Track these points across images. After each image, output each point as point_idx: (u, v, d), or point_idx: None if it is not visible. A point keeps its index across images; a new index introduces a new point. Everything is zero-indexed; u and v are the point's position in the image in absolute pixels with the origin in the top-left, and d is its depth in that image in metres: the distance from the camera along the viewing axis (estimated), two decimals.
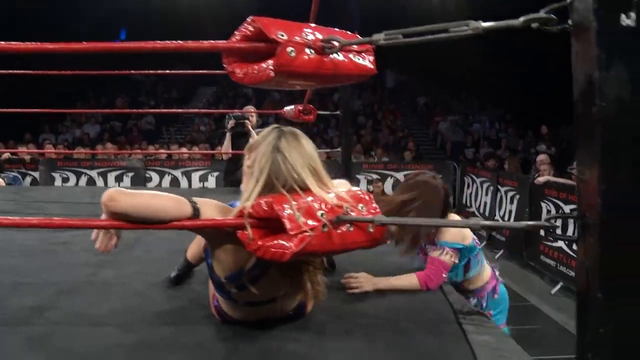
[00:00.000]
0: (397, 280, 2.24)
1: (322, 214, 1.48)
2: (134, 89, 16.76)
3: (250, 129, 5.27)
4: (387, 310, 2.05)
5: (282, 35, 1.38)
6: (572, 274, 5.43)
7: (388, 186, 9.02)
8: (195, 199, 1.60)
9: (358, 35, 1.55)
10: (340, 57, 1.48)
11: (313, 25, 1.49)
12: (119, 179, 8.65)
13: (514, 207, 6.81)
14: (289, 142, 1.62)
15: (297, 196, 1.52)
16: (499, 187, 7.22)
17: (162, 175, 8.77)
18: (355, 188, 1.69)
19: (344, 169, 6.02)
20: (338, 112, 6.04)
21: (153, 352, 1.70)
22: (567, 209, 5.57)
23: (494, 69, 14.91)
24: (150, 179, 8.72)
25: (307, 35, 1.43)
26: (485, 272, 2.53)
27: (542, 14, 1.10)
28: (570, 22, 1.07)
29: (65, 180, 8.50)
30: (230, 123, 5.34)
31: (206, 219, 1.56)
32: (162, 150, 9.43)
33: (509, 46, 13.93)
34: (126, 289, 2.31)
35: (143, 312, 2.03)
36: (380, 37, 1.34)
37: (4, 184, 5.89)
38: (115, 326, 1.88)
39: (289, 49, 1.37)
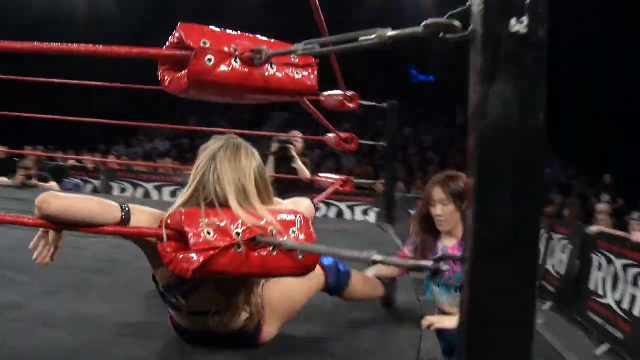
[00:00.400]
0: None
1: (237, 234, 1.40)
2: (208, 109, 17.25)
3: (295, 154, 5.25)
4: (347, 351, 1.93)
5: (205, 44, 1.32)
6: (621, 335, 4.97)
7: None
8: (132, 206, 1.56)
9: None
10: (273, 70, 1.40)
11: (250, 35, 1.42)
12: (173, 194, 8.85)
13: (565, 257, 6.38)
14: (226, 154, 1.58)
15: (214, 212, 1.46)
16: (552, 234, 6.81)
17: None
18: (293, 211, 1.58)
19: (386, 201, 5.88)
20: (383, 144, 5.94)
21: (80, 358, 1.70)
22: (619, 264, 5.14)
23: (571, 109, 14.27)
24: None
25: (237, 45, 1.35)
26: None
27: (443, 19, 0.96)
28: (470, 29, 0.92)
29: (123, 190, 8.78)
30: (274, 147, 5.34)
31: (129, 227, 1.50)
32: None
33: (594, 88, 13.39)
34: (107, 297, 2.33)
35: (108, 320, 2.03)
36: (299, 47, 1.25)
37: (57, 187, 6.12)
38: (70, 330, 1.89)
39: (208, 57, 1.30)
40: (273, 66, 1.40)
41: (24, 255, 2.77)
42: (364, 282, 2.20)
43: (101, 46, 1.38)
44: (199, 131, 14.83)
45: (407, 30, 1.02)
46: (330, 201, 8.97)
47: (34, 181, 5.93)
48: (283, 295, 1.84)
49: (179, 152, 13.92)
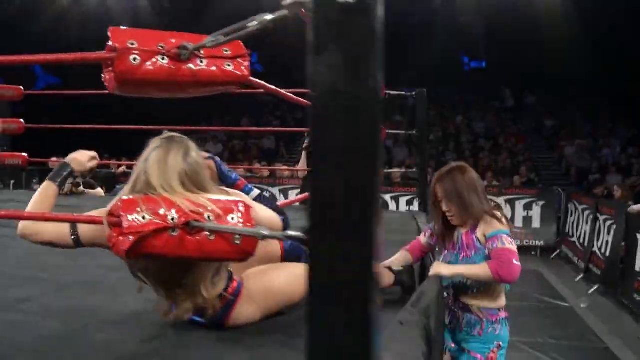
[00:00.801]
0: (474, 268, 2.22)
1: (172, 218, 1.48)
2: (259, 109, 17.52)
3: None
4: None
5: (132, 44, 1.40)
6: None
7: None
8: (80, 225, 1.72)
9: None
10: (203, 63, 1.47)
11: (181, 33, 1.49)
12: None
13: (610, 238, 6.15)
14: (156, 155, 1.70)
15: (152, 199, 1.55)
16: (599, 215, 6.57)
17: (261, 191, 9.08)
18: (236, 200, 1.64)
19: (420, 191, 5.84)
20: (414, 132, 5.90)
21: (58, 344, 1.82)
22: None
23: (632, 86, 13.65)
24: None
25: (165, 43, 1.43)
26: (503, 296, 2.38)
27: None
28: None
29: None
30: (306, 142, 5.42)
31: (80, 215, 1.61)
32: (242, 166, 9.83)
33: None
34: (114, 291, 2.43)
35: (104, 311, 2.14)
36: (208, 40, 1.32)
37: (102, 193, 6.42)
38: (63, 320, 2.03)
39: (132, 56, 1.38)
40: (202, 60, 1.46)
41: (49, 257, 3.00)
42: None
43: (50, 55, 1.49)
44: (250, 131, 15.22)
45: (279, 14, 1.07)
46: None
47: (81, 188, 6.24)
48: (263, 285, 1.92)
49: (231, 153, 14.25)
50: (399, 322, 1.68)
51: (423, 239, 2.52)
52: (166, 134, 1.78)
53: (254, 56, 20.86)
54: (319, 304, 0.87)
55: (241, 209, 1.57)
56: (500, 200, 8.48)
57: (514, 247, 2.17)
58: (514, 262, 2.12)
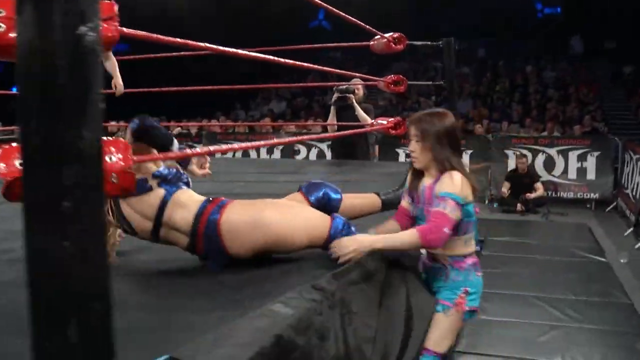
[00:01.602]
0: (397, 236, 2.19)
1: None
2: (325, 66, 17.45)
3: (354, 102, 5.32)
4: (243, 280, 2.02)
5: (1, 12, 1.51)
6: None
7: (539, 162, 8.24)
8: None
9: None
10: None
11: None
12: (269, 152, 9.35)
13: None
14: None
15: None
16: None
17: (309, 148, 9.26)
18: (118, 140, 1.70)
19: None
20: (441, 83, 5.78)
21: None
22: None
23: None
24: (298, 152, 9.28)
25: None
26: (471, 244, 2.35)
27: None
28: None
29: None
30: (334, 97, 5.46)
31: None
32: (288, 123, 9.96)
33: None
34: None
35: None
36: None
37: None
38: None
39: None
40: None
41: None
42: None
43: None
44: (313, 88, 15.31)
45: None
46: None
47: None
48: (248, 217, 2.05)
49: (293, 111, 14.42)
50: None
51: (404, 203, 2.46)
52: None
53: (321, 13, 20.73)
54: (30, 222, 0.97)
55: (121, 147, 1.63)
56: (553, 151, 8.13)
57: (452, 215, 2.13)
58: (445, 230, 2.10)
